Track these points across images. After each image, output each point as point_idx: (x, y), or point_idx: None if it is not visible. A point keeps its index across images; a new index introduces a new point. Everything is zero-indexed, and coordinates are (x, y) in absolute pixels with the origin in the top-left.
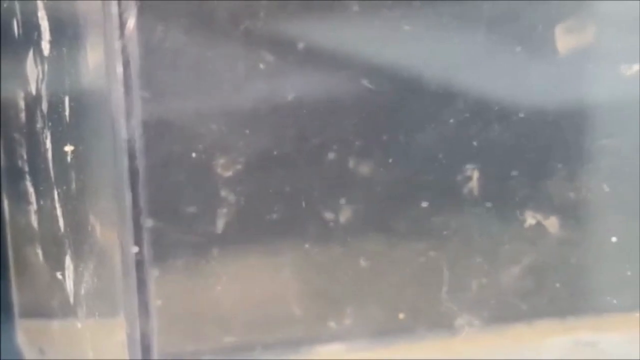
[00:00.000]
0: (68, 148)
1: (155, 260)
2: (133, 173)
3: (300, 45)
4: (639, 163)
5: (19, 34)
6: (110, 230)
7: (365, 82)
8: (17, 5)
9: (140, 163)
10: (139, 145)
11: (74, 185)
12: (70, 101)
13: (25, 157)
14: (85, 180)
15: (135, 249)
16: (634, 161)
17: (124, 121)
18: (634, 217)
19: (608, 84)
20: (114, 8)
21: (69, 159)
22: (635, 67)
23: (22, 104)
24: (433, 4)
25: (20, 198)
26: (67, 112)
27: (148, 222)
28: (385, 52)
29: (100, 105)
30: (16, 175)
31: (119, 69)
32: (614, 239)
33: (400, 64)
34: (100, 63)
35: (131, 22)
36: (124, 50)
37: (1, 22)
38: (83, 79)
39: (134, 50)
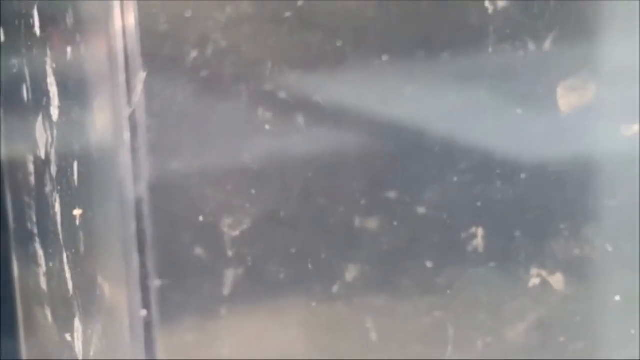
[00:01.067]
0: (77, 212)
1: (163, 322)
2: (141, 235)
3: (305, 106)
4: None
5: (28, 99)
6: (118, 292)
7: (369, 142)
8: (26, 71)
9: (148, 225)
10: (146, 207)
11: (82, 248)
12: (78, 165)
13: (34, 219)
14: (93, 243)
15: (144, 312)
16: (636, 221)
17: (132, 184)
18: (637, 276)
19: (609, 144)
20: (121, 75)
21: (77, 222)
22: (635, 128)
23: (31, 167)
24: (436, 64)
25: (29, 260)
26: (75, 176)
27: (156, 284)
28: (390, 111)
29: (108, 169)
30: (26, 238)
31: (127, 135)
32: (617, 298)
33: (404, 123)
34: (108, 128)
35: (139, 89)
36: (131, 116)
37: (11, 87)
38: (91, 144)
39: (141, 115)
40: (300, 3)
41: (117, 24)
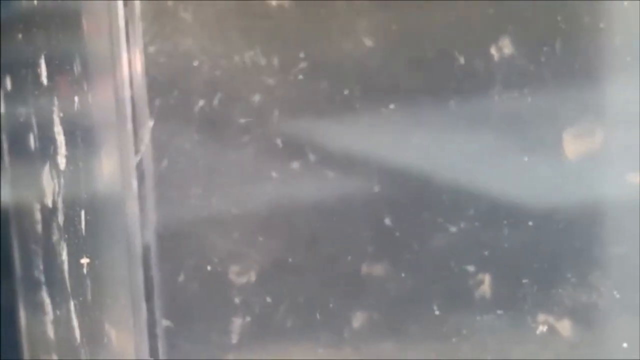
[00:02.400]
0: (84, 260)
1: None
2: (148, 282)
3: (312, 153)
4: None
5: (35, 148)
6: (125, 340)
7: (377, 189)
8: (33, 120)
9: (155, 272)
10: (153, 255)
11: (90, 296)
12: (86, 214)
13: (41, 267)
14: (101, 291)
15: None
16: None
17: (139, 232)
18: None
19: (615, 191)
20: (128, 124)
21: (85, 270)
22: None
23: (38, 215)
24: (443, 111)
25: (36, 308)
26: (82, 225)
27: (163, 332)
28: (397, 159)
29: (116, 217)
30: (32, 286)
31: (134, 183)
32: (625, 345)
33: (412, 171)
34: (115, 176)
35: (146, 137)
36: (139, 164)
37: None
38: (98, 193)
39: (149, 163)
40: (306, 54)
41: (125, 72)
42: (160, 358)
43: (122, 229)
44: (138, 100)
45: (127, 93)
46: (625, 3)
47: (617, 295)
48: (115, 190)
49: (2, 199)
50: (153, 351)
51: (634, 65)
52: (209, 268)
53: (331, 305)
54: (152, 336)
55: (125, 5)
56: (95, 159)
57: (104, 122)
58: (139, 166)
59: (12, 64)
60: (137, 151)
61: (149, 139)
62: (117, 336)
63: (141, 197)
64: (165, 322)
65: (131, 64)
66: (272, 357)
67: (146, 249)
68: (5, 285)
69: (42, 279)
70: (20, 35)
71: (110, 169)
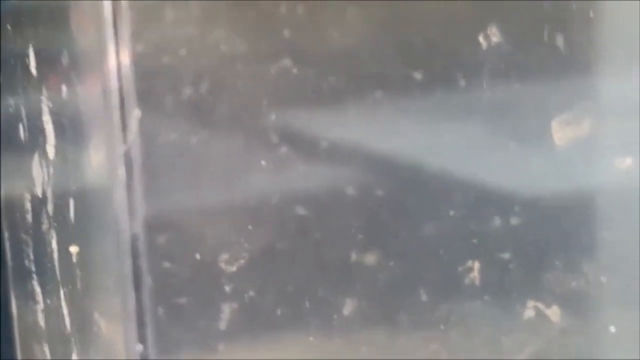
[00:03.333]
0: (73, 249)
1: (160, 357)
2: (136, 272)
3: (300, 142)
4: (636, 255)
5: (25, 138)
6: (115, 328)
7: (365, 178)
8: (22, 110)
9: (144, 262)
10: (142, 244)
11: (79, 285)
12: (75, 203)
13: (32, 257)
14: (90, 280)
15: (140, 347)
16: (629, 253)
17: (127, 221)
18: (631, 307)
19: (604, 177)
20: (116, 113)
21: (74, 259)
22: (629, 161)
23: (28, 205)
24: (431, 99)
25: (27, 297)
26: (71, 214)
27: (152, 320)
28: (385, 147)
29: (104, 206)
30: (23, 275)
31: (122, 172)
32: (612, 329)
33: (400, 159)
34: (103, 166)
35: (133, 127)
36: (126, 154)
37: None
38: (87, 182)
39: (137, 153)
40: (293, 43)
41: (112, 63)
42: (150, 345)
43: (111, 218)
44: (125, 90)
45: (114, 83)
46: None
47: (604, 280)
48: (103, 180)
49: None
50: (142, 339)
51: (622, 54)
52: (197, 257)
53: (321, 293)
54: (141, 324)
55: None
56: (84, 148)
57: (92, 112)
58: (127, 156)
59: (2, 55)
60: (124, 141)
61: (137, 129)
62: (106, 324)
63: (129, 187)
64: (153, 310)
65: (119, 54)
66: (262, 345)
67: (134, 238)
68: None
69: (33, 268)
70: (9, 27)
71: (99, 159)
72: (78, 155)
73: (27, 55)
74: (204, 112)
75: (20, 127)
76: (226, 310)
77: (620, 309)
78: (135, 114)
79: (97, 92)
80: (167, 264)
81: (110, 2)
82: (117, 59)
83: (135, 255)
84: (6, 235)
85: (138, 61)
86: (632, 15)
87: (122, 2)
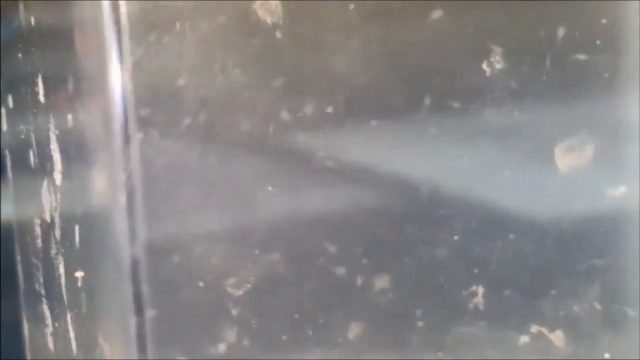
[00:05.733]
0: (78, 274)
1: None
2: (138, 297)
3: (304, 168)
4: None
5: (35, 164)
6: (117, 353)
7: (370, 203)
8: (32, 137)
9: (145, 287)
10: (143, 269)
11: (85, 309)
12: (79, 228)
13: (41, 280)
14: (94, 304)
15: None
16: (622, 281)
17: (128, 247)
18: (625, 334)
19: (606, 203)
20: (117, 141)
21: (79, 283)
22: (623, 189)
23: (38, 230)
24: (434, 125)
25: (38, 320)
26: (77, 239)
27: (153, 344)
28: (390, 171)
29: (106, 232)
30: (34, 298)
31: (123, 197)
32: (607, 355)
33: (404, 185)
34: (105, 192)
35: (135, 153)
36: (127, 179)
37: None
38: (91, 207)
39: (138, 180)
40: (295, 70)
41: (114, 91)
42: None
43: (113, 243)
44: (127, 117)
45: (116, 110)
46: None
47: (598, 307)
48: (105, 205)
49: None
50: None
51: (624, 81)
52: (200, 281)
53: (326, 317)
54: (142, 349)
55: (114, 25)
56: (88, 174)
57: (95, 138)
58: (128, 182)
59: (13, 83)
60: (125, 167)
61: (138, 155)
62: (109, 349)
63: (130, 212)
64: (156, 335)
65: (121, 82)
66: None
67: (135, 263)
68: (9, 298)
69: (43, 291)
70: (20, 55)
71: (101, 185)
72: (83, 181)
73: (37, 83)
74: (204, 139)
75: (31, 153)
76: (230, 335)
77: (615, 335)
78: (136, 139)
79: (100, 118)
80: (169, 289)
81: (113, 31)
82: (120, 86)
83: (136, 280)
84: (18, 258)
85: (140, 88)
86: (635, 44)
87: (125, 31)
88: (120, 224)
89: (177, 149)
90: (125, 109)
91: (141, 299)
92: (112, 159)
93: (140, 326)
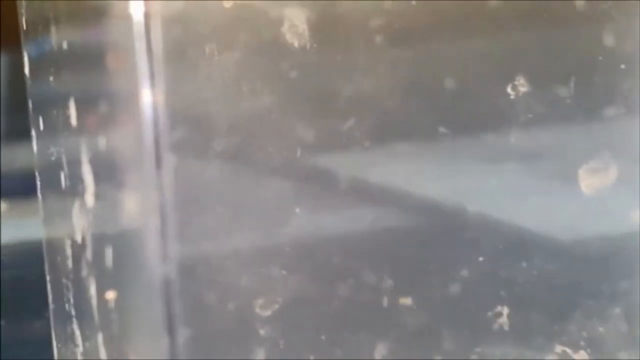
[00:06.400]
0: (110, 295)
1: None
2: (170, 318)
3: (333, 189)
4: None
5: (65, 185)
6: None
7: (397, 224)
8: (63, 158)
9: (177, 307)
10: (175, 289)
11: (116, 330)
12: (111, 249)
13: (72, 301)
14: (126, 324)
15: None
16: None
17: (161, 267)
18: None
19: (630, 225)
20: (150, 160)
21: (111, 304)
22: None
23: (69, 251)
24: (460, 148)
25: (67, 340)
26: (109, 259)
27: None
28: (417, 194)
29: (139, 252)
30: (64, 318)
31: (156, 218)
32: None
33: (430, 206)
34: (138, 212)
35: (168, 174)
36: (160, 202)
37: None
38: (123, 228)
39: (171, 199)
40: (324, 93)
41: (146, 114)
42: None
43: (145, 264)
44: (158, 140)
45: (148, 133)
46: None
47: (623, 329)
48: (138, 227)
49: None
50: None
51: None
52: (230, 303)
53: (353, 337)
54: None
55: (146, 48)
56: (120, 196)
57: (128, 160)
58: (160, 203)
59: (44, 105)
60: (158, 188)
61: (171, 176)
62: None
63: (163, 233)
64: (187, 355)
65: (153, 104)
66: None
67: (167, 284)
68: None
69: (73, 312)
70: (51, 77)
71: (134, 206)
72: (115, 202)
73: (68, 105)
74: (235, 160)
75: (62, 175)
76: (260, 354)
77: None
78: (168, 161)
79: (132, 141)
80: (200, 309)
81: (145, 54)
82: (151, 109)
83: (167, 301)
84: (48, 279)
85: (171, 111)
86: None
87: (156, 53)
88: (152, 244)
89: (207, 171)
90: (157, 132)
91: (173, 318)
92: (144, 181)
93: (173, 346)
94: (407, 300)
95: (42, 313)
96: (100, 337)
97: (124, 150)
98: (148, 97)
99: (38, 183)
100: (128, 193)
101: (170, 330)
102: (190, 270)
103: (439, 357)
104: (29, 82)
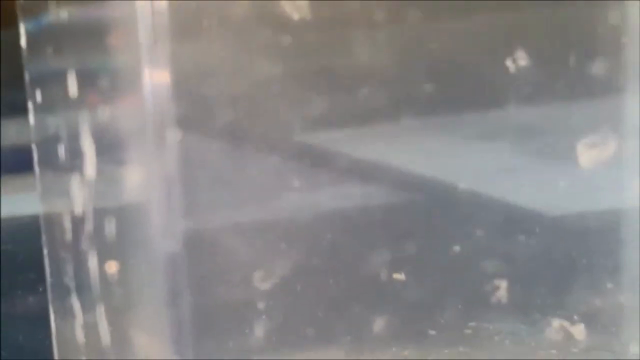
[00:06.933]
0: (113, 267)
1: None
2: (174, 290)
3: (332, 163)
4: None
5: (64, 158)
6: (154, 348)
7: (395, 198)
8: (63, 132)
9: (181, 280)
10: (179, 262)
11: (118, 303)
12: (114, 222)
13: (71, 274)
14: (129, 298)
15: None
16: None
17: (166, 240)
18: None
19: (628, 199)
20: (155, 134)
21: (113, 276)
22: None
23: (68, 224)
24: (459, 122)
25: (66, 313)
26: (111, 233)
27: (190, 337)
28: (416, 168)
29: (143, 226)
30: (62, 291)
31: (161, 192)
32: (636, 350)
33: (430, 180)
34: (142, 186)
35: (173, 148)
36: (166, 176)
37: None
38: (126, 201)
39: (175, 175)
40: (325, 66)
41: (151, 85)
42: None
43: (149, 237)
44: (164, 112)
45: (153, 105)
46: None
47: (634, 302)
48: (142, 200)
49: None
50: (181, 357)
51: None
52: (230, 276)
53: (351, 311)
54: (179, 343)
55: (149, 21)
56: (123, 169)
57: (132, 134)
58: (166, 177)
59: (42, 78)
60: (163, 162)
61: (176, 150)
62: (144, 342)
63: (168, 207)
64: (192, 327)
65: (157, 77)
66: None
67: (172, 257)
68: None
69: (72, 285)
70: (50, 50)
71: (137, 180)
72: (117, 176)
73: (68, 78)
74: (240, 134)
75: (60, 147)
76: (260, 328)
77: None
78: (172, 135)
79: (137, 113)
80: (203, 283)
81: (148, 27)
82: (157, 81)
83: (173, 273)
84: (45, 252)
85: (177, 83)
86: None
87: (159, 27)
88: (158, 217)
89: (210, 145)
90: (161, 105)
91: (178, 291)
92: (148, 155)
93: (178, 319)
94: (403, 276)
95: (37, 288)
96: (101, 310)
97: (126, 124)
98: (151, 70)
99: (35, 156)
100: (130, 167)
101: (175, 304)
102: (192, 244)
103: (435, 331)
104: (25, 54)
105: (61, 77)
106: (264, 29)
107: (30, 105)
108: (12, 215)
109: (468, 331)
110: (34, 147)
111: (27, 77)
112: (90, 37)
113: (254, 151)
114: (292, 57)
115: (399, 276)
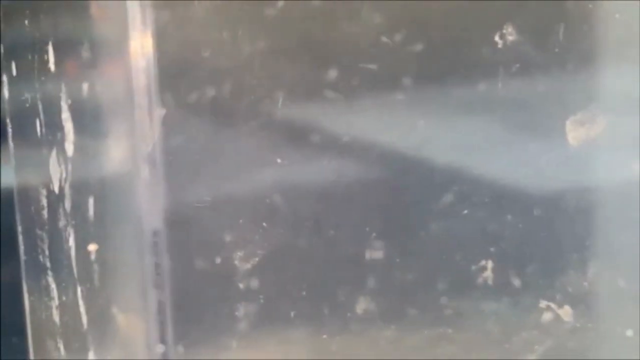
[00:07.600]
0: (92, 247)
1: (179, 355)
2: (158, 269)
3: (316, 140)
4: None
5: (41, 133)
6: (134, 326)
7: (380, 175)
8: (40, 106)
9: (164, 258)
10: (162, 242)
11: (98, 283)
12: (94, 200)
13: (47, 253)
14: (109, 277)
15: (162, 348)
16: (635, 256)
17: (148, 218)
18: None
19: (617, 177)
20: (139, 112)
21: (93, 256)
22: (634, 162)
23: (44, 201)
24: (447, 98)
25: (41, 292)
26: (91, 212)
27: (172, 318)
28: (401, 145)
29: (125, 203)
30: (37, 271)
31: (144, 169)
32: (629, 333)
33: (416, 157)
34: (124, 163)
35: (157, 125)
36: (150, 152)
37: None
38: (107, 179)
39: (159, 151)
40: (312, 41)
41: (135, 60)
42: (169, 343)
43: (132, 215)
44: (149, 87)
45: (137, 81)
46: None
47: (622, 283)
48: (125, 177)
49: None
50: (162, 337)
51: (637, 54)
52: (217, 257)
53: (334, 291)
54: (161, 322)
55: None
56: (105, 145)
57: (114, 109)
58: (150, 153)
59: (17, 49)
60: (147, 139)
61: (159, 126)
62: (125, 322)
63: (152, 184)
64: (173, 308)
65: (142, 52)
66: (276, 343)
67: (156, 234)
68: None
69: (48, 264)
70: (26, 21)
71: (120, 156)
72: (98, 151)
73: (46, 50)
74: (224, 111)
75: (37, 122)
76: (241, 308)
77: (637, 312)
78: (158, 110)
79: (120, 88)
80: (186, 261)
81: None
82: (141, 56)
83: (156, 252)
84: (19, 229)
85: (161, 59)
86: None
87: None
88: (141, 195)
89: (197, 120)
90: (148, 78)
91: (161, 270)
92: (132, 130)
93: (160, 298)
94: (388, 254)
95: (8, 265)
96: (79, 290)
97: (110, 98)
98: (136, 44)
99: (9, 130)
100: (114, 142)
101: (158, 284)
102: (175, 222)
103: (420, 311)
104: (0, 25)
105: (39, 49)
106: (251, 5)
107: (4, 78)
108: None
109: (453, 312)
110: (7, 121)
111: (1, 48)
112: (72, 8)
113: (240, 128)
114: (277, 31)
115: (385, 254)
